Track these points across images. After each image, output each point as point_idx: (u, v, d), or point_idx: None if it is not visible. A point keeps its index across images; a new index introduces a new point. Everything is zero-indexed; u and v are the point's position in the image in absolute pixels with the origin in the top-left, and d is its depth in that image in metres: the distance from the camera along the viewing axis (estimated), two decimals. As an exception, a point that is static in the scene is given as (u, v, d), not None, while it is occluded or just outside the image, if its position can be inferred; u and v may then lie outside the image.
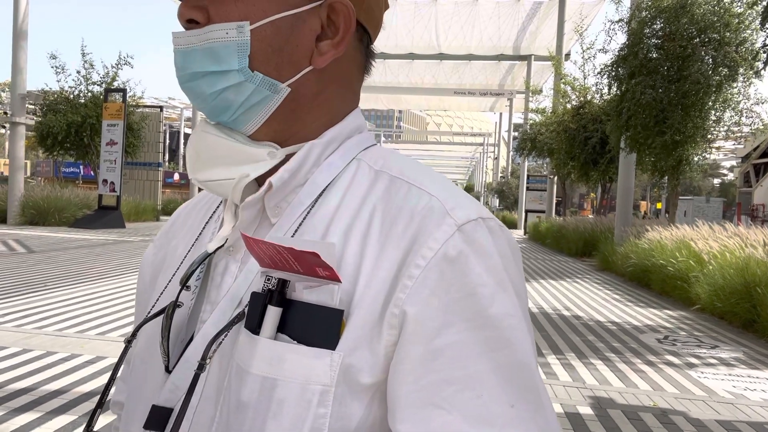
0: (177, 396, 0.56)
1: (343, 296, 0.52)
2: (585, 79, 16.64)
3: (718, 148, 11.92)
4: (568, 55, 23.21)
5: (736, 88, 9.79)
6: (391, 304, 0.51)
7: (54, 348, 4.25)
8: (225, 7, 0.55)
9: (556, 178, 20.92)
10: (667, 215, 14.08)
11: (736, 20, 9.44)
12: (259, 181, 0.59)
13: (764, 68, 7.64)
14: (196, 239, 0.66)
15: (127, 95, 17.15)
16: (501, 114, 46.81)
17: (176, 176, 38.35)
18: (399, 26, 26.13)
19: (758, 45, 8.99)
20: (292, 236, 0.56)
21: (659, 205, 44.70)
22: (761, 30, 8.34)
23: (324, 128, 0.60)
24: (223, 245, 0.60)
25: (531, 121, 20.54)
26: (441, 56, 30.01)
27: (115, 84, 17.86)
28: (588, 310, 7.23)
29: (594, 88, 15.16)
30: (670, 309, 7.62)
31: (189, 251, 0.65)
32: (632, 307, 7.63)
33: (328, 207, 0.57)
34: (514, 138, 26.67)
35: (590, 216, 22.80)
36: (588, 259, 13.80)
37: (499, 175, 46.32)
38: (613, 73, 10.82)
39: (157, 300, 0.64)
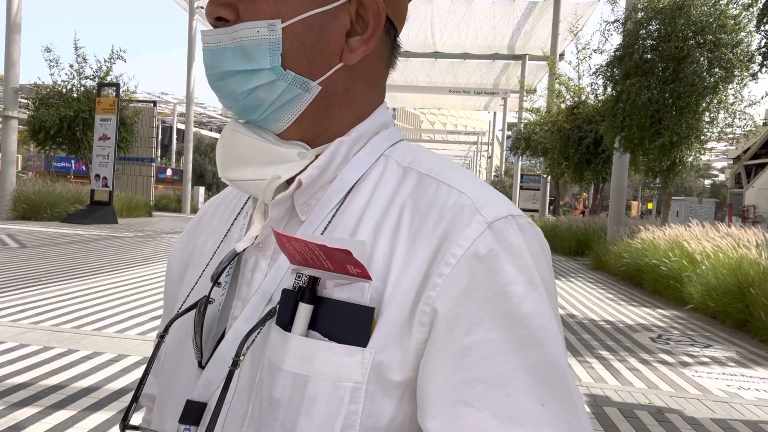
0: (210, 391, 0.56)
1: (373, 294, 0.52)
2: (579, 79, 16.72)
3: (710, 150, 12.00)
4: (562, 55, 23.27)
5: (731, 89, 9.86)
6: (421, 301, 0.51)
7: (50, 343, 4.23)
8: (255, 4, 0.55)
9: (549, 177, 21.00)
10: (659, 215, 14.18)
11: (732, 22, 9.51)
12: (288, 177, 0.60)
13: (760, 70, 7.71)
14: (225, 235, 0.66)
15: (120, 90, 17.04)
16: (495, 113, 46.94)
17: (169, 172, 38.15)
18: (394, 24, 26.07)
19: (753, 47, 9.06)
20: (322, 233, 0.56)
21: (650, 206, 45.00)
22: (756, 32, 8.40)
23: (352, 125, 0.60)
24: (252, 244, 0.60)
25: (525, 121, 20.61)
26: (436, 54, 30.04)
27: (108, 78, 17.72)
28: (582, 309, 7.27)
29: (588, 89, 15.22)
30: (663, 308, 7.68)
31: (218, 247, 0.65)
32: (626, 306, 7.68)
33: (357, 204, 0.57)
34: (508, 137, 26.75)
35: (581, 215, 22.92)
36: (581, 258, 13.88)
37: (493, 174, 46.43)
38: (608, 74, 10.87)
39: (188, 296, 0.65)
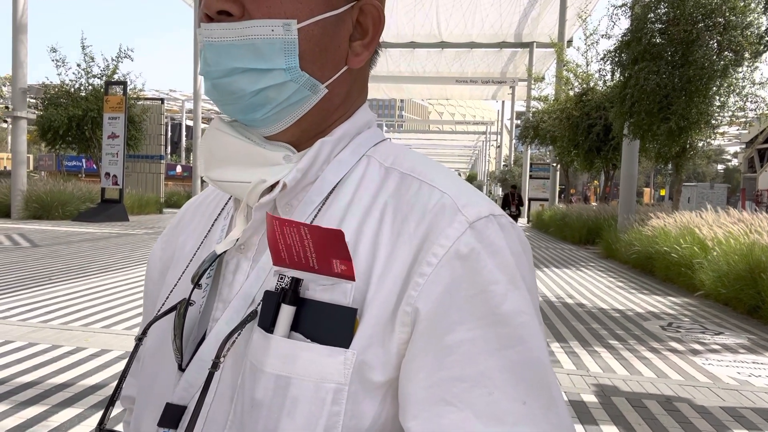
0: (191, 394, 0.56)
1: (356, 294, 0.52)
2: (588, 65, 16.53)
3: (722, 134, 11.84)
4: (570, 42, 23.03)
5: (741, 72, 9.70)
6: (403, 301, 0.51)
7: (59, 342, 4.28)
8: (268, 2, 0.53)
9: (559, 166, 20.85)
10: (671, 201, 14.02)
11: (742, 3, 9.34)
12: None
13: (765, 50, 7.55)
14: (206, 236, 0.66)
15: (128, 88, 17.12)
16: (503, 102, 46.63)
17: (179, 168, 38.37)
18: (400, 15, 25.96)
19: (763, 29, 8.89)
20: None
21: (663, 192, 44.55)
22: (765, 14, 8.24)
23: (337, 124, 0.60)
24: (233, 246, 0.60)
25: (533, 109, 20.45)
26: (442, 44, 29.83)
27: (116, 77, 17.81)
28: (592, 298, 7.23)
29: (597, 75, 15.05)
30: (674, 296, 7.61)
31: (198, 248, 0.65)
32: (636, 295, 7.62)
33: (339, 204, 0.57)
34: (517, 126, 26.56)
35: (594, 204, 22.74)
36: (591, 247, 13.79)
37: (502, 163, 46.20)
38: (617, 59, 10.73)
39: (167, 297, 0.64)
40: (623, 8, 10.82)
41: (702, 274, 7.40)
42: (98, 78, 17.84)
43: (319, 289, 0.53)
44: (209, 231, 0.66)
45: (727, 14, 9.34)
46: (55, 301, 5.66)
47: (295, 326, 0.52)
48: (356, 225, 0.55)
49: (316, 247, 0.50)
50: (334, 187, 0.58)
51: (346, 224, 0.55)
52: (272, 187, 0.58)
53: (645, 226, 10.33)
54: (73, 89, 17.74)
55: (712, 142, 11.15)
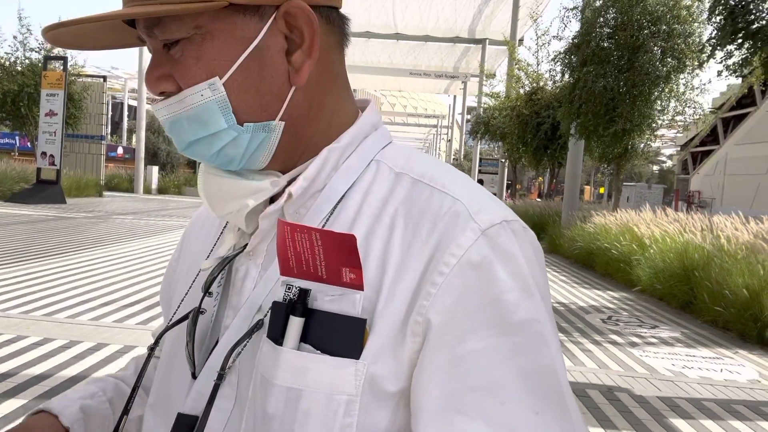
0: (201, 404, 0.55)
1: (365, 304, 0.51)
2: (538, 65, 16.96)
3: (660, 137, 12.44)
4: (521, 41, 23.50)
5: (682, 79, 10.19)
6: (414, 311, 0.50)
7: (-3, 329, 4.07)
8: (189, 70, 0.53)
9: (507, 162, 21.33)
10: (610, 199, 14.62)
11: (685, 12, 9.80)
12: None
13: (708, 61, 7.99)
14: (215, 245, 0.66)
15: (68, 64, 16.29)
16: (455, 96, 47.09)
17: (120, 150, 36.89)
18: (355, 4, 25.76)
19: (705, 38, 9.38)
20: None
21: (602, 190, 46.36)
22: (708, 23, 8.69)
23: (329, 128, 0.59)
24: (242, 250, 0.60)
25: (485, 105, 20.80)
26: (397, 36, 29.83)
27: (55, 52, 16.92)
28: (537, 292, 7.46)
29: (547, 75, 15.48)
30: (613, 290, 7.97)
31: (208, 257, 0.65)
32: (578, 289, 7.93)
33: (348, 212, 0.56)
34: (468, 121, 26.96)
35: (538, 200, 23.42)
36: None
37: (452, 157, 46.78)
38: (566, 61, 11.07)
39: (179, 306, 0.64)
40: (574, 11, 11.16)
41: (639, 271, 7.78)
42: (36, 52, 16.91)
43: (328, 299, 0.52)
44: (218, 240, 0.66)
45: (671, 22, 9.78)
46: (-10, 287, 5.36)
47: (305, 337, 0.52)
48: (366, 233, 0.54)
49: (326, 254, 0.49)
50: (343, 195, 0.57)
51: (356, 232, 0.54)
52: (278, 196, 0.58)
53: (587, 223, 10.74)
54: (8, 63, 16.72)
55: (652, 144, 11.68)
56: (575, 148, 12.23)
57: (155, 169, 26.17)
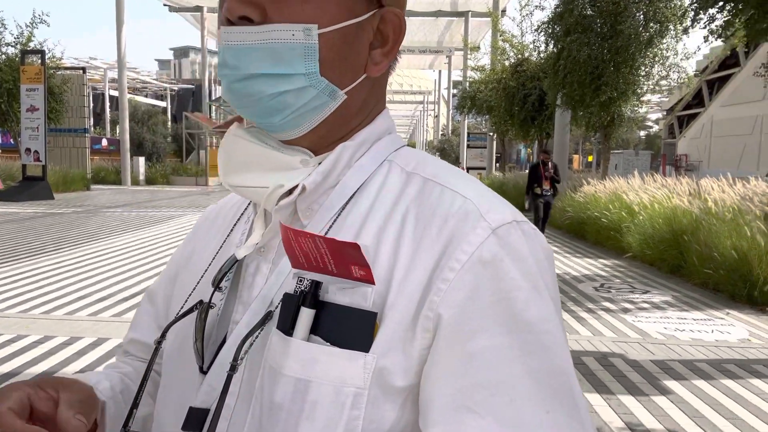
0: (213, 397, 0.56)
1: (376, 298, 0.52)
2: (522, 36, 16.87)
3: (646, 102, 12.46)
4: (504, 12, 23.32)
5: (665, 44, 10.20)
6: (425, 307, 0.51)
7: (-4, 330, 4.09)
8: (290, 7, 0.53)
9: (495, 135, 21.33)
10: (599, 168, 14.70)
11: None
12: None
13: (692, 26, 8.01)
14: (225, 239, 0.66)
15: (46, 57, 16.01)
16: (440, 72, 46.83)
17: (104, 142, 36.40)
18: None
19: (687, 2, 9.36)
20: None
21: (591, 158, 46.54)
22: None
23: (359, 128, 0.60)
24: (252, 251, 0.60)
25: (470, 79, 20.70)
26: (378, 12, 29.47)
27: (32, 45, 16.60)
28: (530, 263, 7.54)
29: (531, 46, 15.40)
30: (605, 258, 8.08)
31: (218, 251, 0.66)
32: (570, 258, 8.03)
33: (360, 209, 0.57)
34: (454, 96, 26.84)
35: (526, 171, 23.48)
36: (527, 214, 14.29)
37: (440, 132, 46.67)
38: (550, 31, 11.02)
39: (186, 301, 0.64)
40: (556, -21, 11.09)
41: (629, 237, 7.88)
42: (12, 47, 16.57)
43: (339, 292, 0.52)
44: (229, 235, 0.66)
45: (653, -13, 9.75)
46: (-15, 288, 5.36)
47: (315, 329, 0.52)
48: (377, 230, 0.55)
49: (333, 256, 0.50)
50: (355, 192, 0.58)
51: (367, 229, 0.55)
52: (292, 190, 0.57)
53: (577, 193, 10.82)
54: (-16, 59, 16.40)
55: (639, 110, 11.72)
56: (562, 119, 12.27)
57: (142, 159, 25.93)
